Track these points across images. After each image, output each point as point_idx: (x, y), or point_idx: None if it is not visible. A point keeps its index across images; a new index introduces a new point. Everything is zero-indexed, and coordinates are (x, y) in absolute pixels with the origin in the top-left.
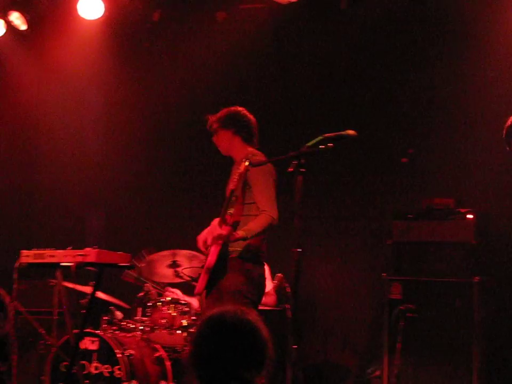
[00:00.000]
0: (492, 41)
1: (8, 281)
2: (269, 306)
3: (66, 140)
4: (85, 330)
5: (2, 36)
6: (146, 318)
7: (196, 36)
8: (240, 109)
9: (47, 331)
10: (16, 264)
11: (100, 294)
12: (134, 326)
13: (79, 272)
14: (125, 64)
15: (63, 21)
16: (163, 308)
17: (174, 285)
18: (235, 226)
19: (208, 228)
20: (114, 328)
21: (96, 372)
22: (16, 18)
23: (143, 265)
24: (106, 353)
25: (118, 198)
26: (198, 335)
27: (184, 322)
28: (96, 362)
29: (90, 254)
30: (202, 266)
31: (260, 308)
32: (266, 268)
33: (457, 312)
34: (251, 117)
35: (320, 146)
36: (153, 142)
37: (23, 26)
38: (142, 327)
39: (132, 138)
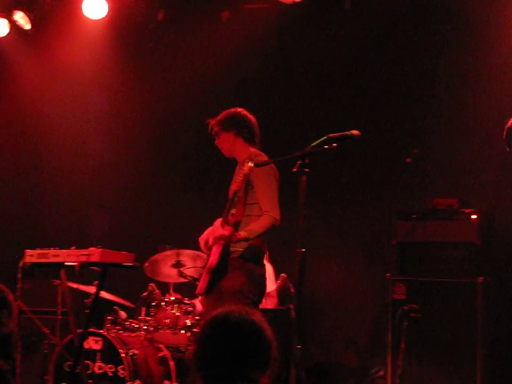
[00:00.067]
0: (496, 41)
1: (12, 281)
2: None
3: (70, 139)
4: (88, 329)
5: (7, 35)
6: (150, 318)
7: (200, 35)
8: (240, 110)
9: (51, 330)
10: (20, 264)
11: (104, 294)
12: (137, 325)
13: (83, 272)
14: (129, 63)
15: (67, 21)
16: (167, 308)
17: (177, 285)
18: (237, 226)
19: (210, 228)
20: (118, 327)
21: (100, 371)
22: (20, 17)
23: (147, 264)
24: (110, 353)
25: (122, 197)
26: (202, 335)
27: (188, 322)
28: (100, 362)
29: (94, 253)
30: (204, 266)
31: (264, 307)
32: (270, 267)
33: (461, 312)
34: (251, 117)
35: (324, 146)
36: (157, 141)
37: (27, 26)
38: (145, 327)
39: (136, 138)
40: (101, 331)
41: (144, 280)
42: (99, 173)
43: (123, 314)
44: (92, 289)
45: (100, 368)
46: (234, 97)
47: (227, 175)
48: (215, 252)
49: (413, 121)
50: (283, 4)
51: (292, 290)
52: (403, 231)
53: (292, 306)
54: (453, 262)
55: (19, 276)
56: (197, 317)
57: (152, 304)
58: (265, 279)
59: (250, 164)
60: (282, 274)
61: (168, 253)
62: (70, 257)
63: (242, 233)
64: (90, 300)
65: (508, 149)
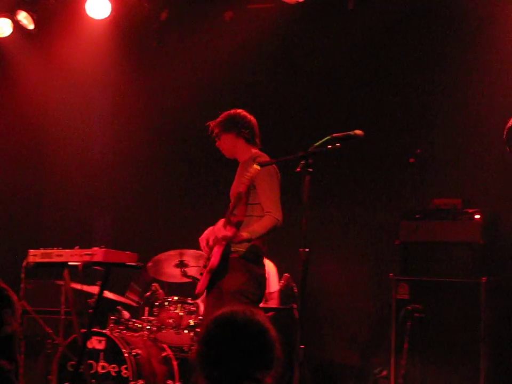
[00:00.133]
0: (498, 42)
1: (16, 281)
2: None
3: (73, 139)
4: (92, 329)
5: (10, 35)
6: (153, 318)
7: (203, 35)
8: (239, 110)
9: (54, 330)
10: (24, 264)
11: (107, 294)
12: (141, 325)
13: (86, 272)
14: (132, 63)
15: (70, 21)
16: (170, 308)
17: (180, 285)
18: (238, 226)
19: (210, 228)
20: (121, 327)
21: (103, 371)
22: (24, 17)
23: (150, 264)
24: (113, 353)
25: (125, 197)
26: (206, 335)
27: (191, 322)
28: (103, 362)
29: (98, 253)
30: (205, 266)
31: (268, 307)
32: (273, 268)
33: (465, 312)
34: (251, 117)
35: (328, 146)
36: (160, 141)
37: (30, 26)
38: (149, 327)
39: (139, 138)
40: (104, 331)
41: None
42: (102, 172)
43: (126, 314)
44: (95, 289)
45: (103, 368)
46: (238, 97)
47: (230, 175)
48: (217, 252)
49: (417, 121)
50: (286, 4)
51: (295, 290)
52: (406, 231)
53: (295, 306)
54: (456, 262)
55: (22, 275)
56: (200, 317)
57: (155, 304)
58: (265, 279)
59: (257, 167)
60: (286, 274)
61: (171, 252)
62: (74, 257)
63: (244, 234)
64: (94, 299)
65: (508, 149)
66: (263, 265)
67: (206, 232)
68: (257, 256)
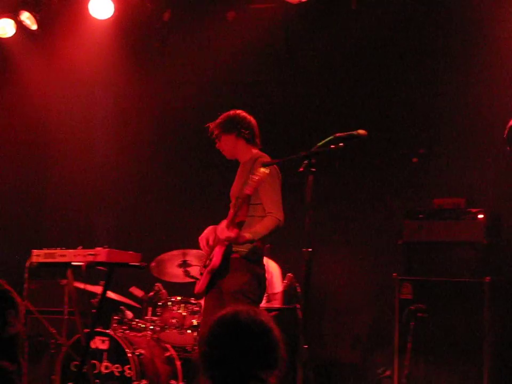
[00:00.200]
0: (499, 41)
1: (19, 281)
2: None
3: (76, 139)
4: (95, 329)
5: (13, 35)
6: (156, 318)
7: (206, 35)
8: (238, 111)
9: (58, 330)
10: (27, 264)
11: (110, 294)
12: (144, 325)
13: (89, 272)
14: (134, 64)
15: (73, 21)
16: (173, 308)
17: (183, 285)
18: (240, 226)
19: (209, 227)
20: (124, 327)
21: (107, 371)
22: (27, 18)
23: (153, 264)
24: (116, 353)
25: (128, 197)
26: (210, 335)
27: (195, 322)
28: (107, 362)
29: (101, 253)
30: (206, 266)
31: (271, 307)
32: (277, 268)
33: (468, 312)
34: (251, 118)
35: (331, 146)
36: (162, 141)
37: (33, 26)
38: (152, 327)
39: (142, 138)
40: (107, 331)
41: (151, 280)
42: (105, 173)
43: (129, 314)
44: (98, 289)
45: (106, 368)
46: (240, 96)
47: (232, 175)
48: (218, 253)
49: (420, 121)
50: (289, 3)
51: (299, 290)
52: (410, 231)
53: (298, 306)
54: (459, 262)
55: (26, 275)
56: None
57: (159, 304)
58: (265, 279)
59: (266, 170)
60: (289, 274)
61: (174, 252)
62: (77, 257)
63: (247, 235)
64: (97, 299)
65: (508, 148)
66: (263, 265)
67: (205, 231)
68: (258, 256)
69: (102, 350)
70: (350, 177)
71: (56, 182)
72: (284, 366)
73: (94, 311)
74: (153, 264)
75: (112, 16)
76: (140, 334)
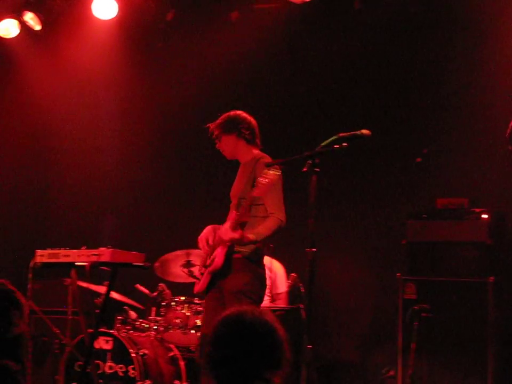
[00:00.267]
0: (504, 42)
1: (23, 281)
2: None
3: (80, 139)
4: (99, 329)
5: (17, 36)
6: (160, 318)
7: (209, 35)
8: (239, 112)
9: (62, 330)
10: (31, 264)
11: (114, 294)
12: (148, 325)
13: (93, 272)
14: (138, 64)
15: (77, 21)
16: (177, 308)
17: (187, 285)
18: (242, 226)
19: (208, 227)
20: (128, 327)
21: (110, 371)
22: (31, 18)
23: (157, 264)
24: (120, 353)
25: (132, 197)
26: (215, 335)
27: (198, 322)
28: (110, 362)
29: (105, 253)
30: (206, 266)
31: (275, 307)
32: (281, 268)
33: (472, 312)
34: (251, 118)
35: (334, 146)
36: (166, 141)
37: (37, 27)
38: (156, 327)
39: (145, 138)
40: (111, 331)
41: (155, 280)
42: (109, 173)
43: (133, 314)
44: (102, 289)
45: (110, 368)
46: (244, 97)
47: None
48: (221, 253)
49: (423, 121)
50: (293, 3)
51: (302, 290)
52: (413, 231)
53: (302, 306)
54: (463, 262)
55: (30, 276)
56: None
57: (162, 304)
58: (265, 279)
59: (277, 172)
60: (293, 274)
61: (178, 252)
62: (81, 257)
63: (250, 236)
64: (101, 299)
65: (510, 148)
66: (264, 265)
67: (204, 231)
68: (259, 257)
69: (106, 350)
70: (354, 177)
71: (60, 182)
72: (288, 366)
73: (98, 311)
74: (157, 264)
75: (115, 17)
76: (143, 334)
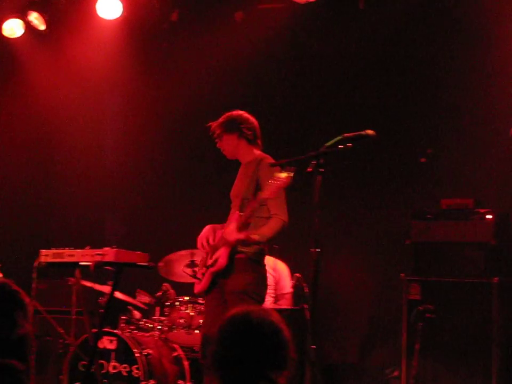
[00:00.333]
0: (508, 41)
1: (27, 280)
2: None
3: (84, 139)
4: (103, 329)
5: (22, 36)
6: (164, 318)
7: (214, 36)
8: (241, 112)
9: (66, 330)
10: (35, 263)
11: (118, 294)
12: (152, 325)
13: (97, 272)
14: (143, 64)
15: (81, 21)
16: (181, 308)
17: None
18: (246, 227)
19: (207, 227)
20: (132, 327)
21: (114, 371)
22: (35, 18)
23: (161, 264)
24: (124, 353)
25: (136, 197)
26: (221, 335)
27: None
28: (114, 362)
29: (109, 253)
30: (207, 266)
31: (279, 307)
32: (286, 269)
33: (476, 312)
34: (253, 119)
35: (339, 146)
36: (170, 141)
37: (41, 27)
38: (160, 327)
39: (149, 138)
40: (115, 331)
41: (159, 280)
42: (113, 173)
43: (137, 314)
44: (106, 288)
45: (114, 367)
46: (248, 97)
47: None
48: (224, 254)
49: (428, 121)
50: (297, 3)
51: (306, 290)
52: (417, 231)
53: (306, 306)
54: (468, 262)
55: (34, 275)
56: None
57: (166, 304)
58: (267, 278)
59: (290, 174)
60: (297, 274)
61: (182, 252)
62: (85, 257)
63: (255, 237)
64: (105, 299)
65: None
66: (265, 265)
67: (204, 231)
68: (262, 257)
69: (110, 350)
70: (358, 177)
71: (64, 182)
72: (293, 366)
73: (102, 311)
74: (161, 264)
75: (120, 16)
76: (147, 334)
